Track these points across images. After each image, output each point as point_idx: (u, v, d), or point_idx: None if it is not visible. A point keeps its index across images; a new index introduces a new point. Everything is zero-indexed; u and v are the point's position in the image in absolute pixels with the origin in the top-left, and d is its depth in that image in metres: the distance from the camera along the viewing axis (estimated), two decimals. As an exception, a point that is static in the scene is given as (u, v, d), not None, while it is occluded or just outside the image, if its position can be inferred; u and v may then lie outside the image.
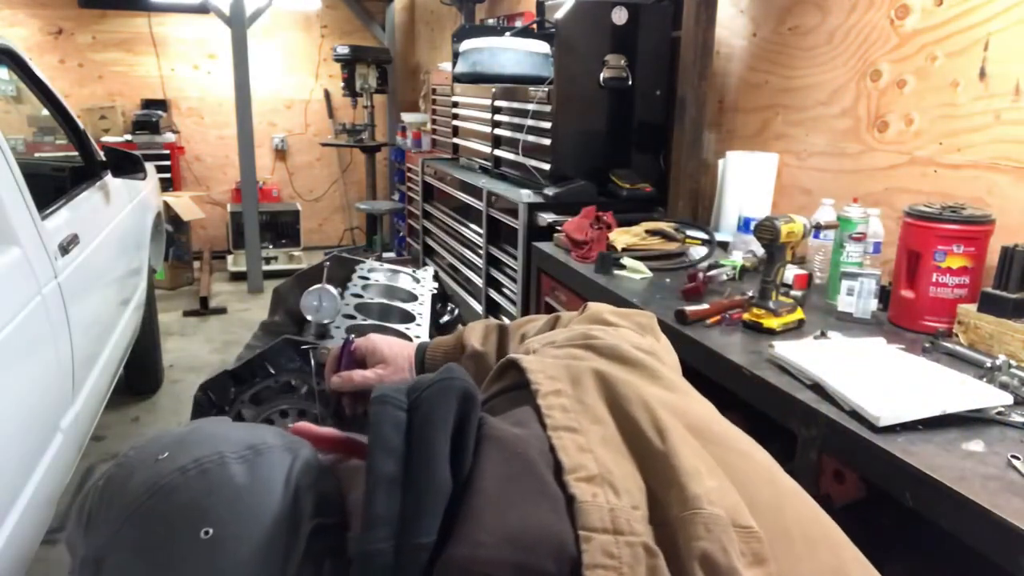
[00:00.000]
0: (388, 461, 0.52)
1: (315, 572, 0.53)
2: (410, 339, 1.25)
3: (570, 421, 0.58)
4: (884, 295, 1.64)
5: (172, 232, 4.84)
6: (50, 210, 2.02)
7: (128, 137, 5.38)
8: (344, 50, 5.08)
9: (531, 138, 2.82)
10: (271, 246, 5.76)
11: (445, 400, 0.55)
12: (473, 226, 3.20)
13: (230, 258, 5.71)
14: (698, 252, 2.14)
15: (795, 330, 1.56)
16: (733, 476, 0.56)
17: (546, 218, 2.51)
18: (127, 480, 0.55)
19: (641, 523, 0.51)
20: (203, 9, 5.09)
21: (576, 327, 0.81)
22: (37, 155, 4.51)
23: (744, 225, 2.15)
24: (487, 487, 0.51)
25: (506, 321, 1.02)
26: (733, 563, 0.48)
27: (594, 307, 0.91)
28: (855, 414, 1.15)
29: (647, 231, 2.21)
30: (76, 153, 2.71)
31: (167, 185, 5.27)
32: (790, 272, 1.78)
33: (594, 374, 0.64)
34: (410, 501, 0.50)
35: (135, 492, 0.53)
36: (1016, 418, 1.16)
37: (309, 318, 1.22)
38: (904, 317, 1.58)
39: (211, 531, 0.50)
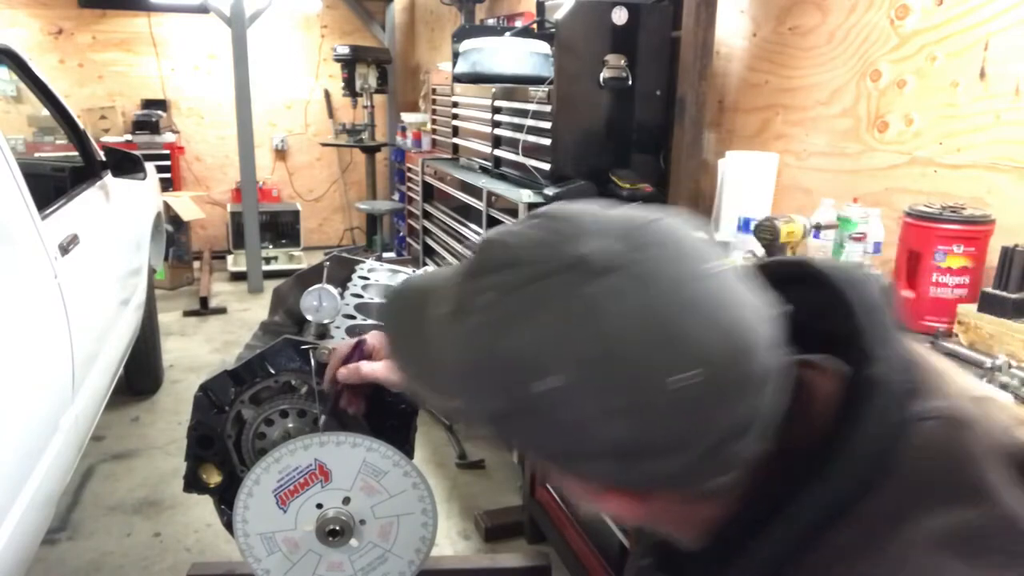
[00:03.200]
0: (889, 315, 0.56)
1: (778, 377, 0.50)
2: (410, 339, 1.25)
3: None
4: (884, 295, 1.63)
5: (172, 232, 4.84)
6: (50, 210, 2.02)
7: (128, 137, 5.39)
8: (344, 50, 5.08)
9: (531, 138, 2.82)
10: (271, 246, 5.77)
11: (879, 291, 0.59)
12: (473, 226, 3.20)
13: (230, 258, 5.71)
14: (698, 252, 2.14)
15: (795, 330, 1.56)
16: None
17: (546, 218, 2.51)
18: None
19: None
20: (203, 9, 5.10)
21: None
22: (37, 155, 4.51)
23: (744, 225, 2.15)
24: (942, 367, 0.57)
25: None
26: None
27: None
28: (855, 414, 1.15)
29: (647, 231, 2.21)
30: (76, 153, 2.71)
31: (167, 185, 5.27)
32: (790, 272, 1.78)
33: None
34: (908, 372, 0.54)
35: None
36: (1016, 418, 1.16)
37: (309, 318, 1.22)
38: (904, 317, 1.57)
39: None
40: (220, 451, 1.13)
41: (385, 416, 1.10)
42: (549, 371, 0.46)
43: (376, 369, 1.00)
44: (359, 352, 1.02)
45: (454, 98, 3.70)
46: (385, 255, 5.00)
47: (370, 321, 1.32)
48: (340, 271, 1.52)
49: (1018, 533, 0.47)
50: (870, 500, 0.49)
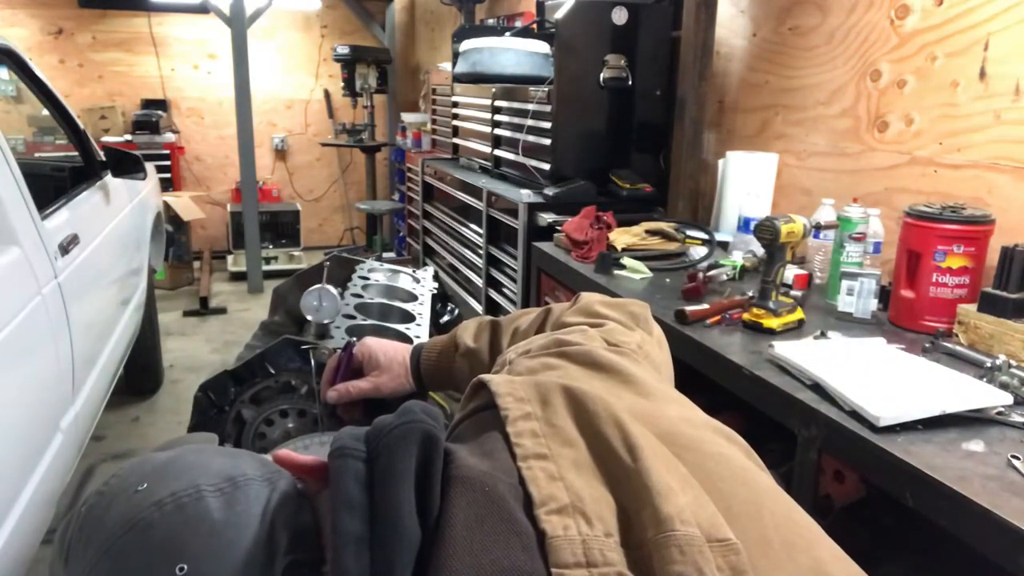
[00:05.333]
0: (353, 519, 0.51)
1: None
2: (410, 340, 1.25)
3: (540, 447, 0.58)
4: (884, 295, 1.64)
5: (172, 232, 4.84)
6: (50, 210, 2.02)
7: (128, 137, 5.38)
8: (344, 50, 5.08)
9: (531, 138, 2.82)
10: (271, 246, 5.76)
11: (405, 447, 0.54)
12: (473, 226, 3.20)
13: (230, 258, 5.71)
14: (698, 252, 2.14)
15: (795, 330, 1.56)
16: (708, 482, 0.56)
17: (546, 218, 2.52)
18: (105, 513, 0.55)
19: (615, 551, 0.50)
20: (203, 9, 5.09)
21: (555, 334, 0.80)
22: (37, 155, 4.51)
23: (744, 225, 2.15)
24: (456, 534, 0.50)
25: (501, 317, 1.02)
26: None
27: (586, 298, 0.91)
28: (855, 414, 1.15)
29: (647, 231, 2.21)
30: (76, 153, 2.71)
31: (167, 185, 5.27)
32: (790, 272, 1.78)
33: (563, 391, 0.63)
34: (379, 557, 0.50)
35: (111, 527, 0.53)
36: (1016, 418, 1.16)
37: (309, 318, 1.22)
38: (904, 317, 1.58)
39: (186, 567, 0.51)
40: (220, 451, 1.13)
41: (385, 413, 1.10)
42: None
43: (364, 388, 1.01)
44: (347, 367, 1.02)
45: (454, 98, 3.70)
46: (385, 255, 5.00)
47: (370, 321, 1.32)
48: (340, 271, 1.53)
49: None
50: None
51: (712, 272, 1.85)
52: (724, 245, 2.24)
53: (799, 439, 1.24)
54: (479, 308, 3.09)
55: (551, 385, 0.64)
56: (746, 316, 1.58)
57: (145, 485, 0.55)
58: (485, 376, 0.68)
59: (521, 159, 2.90)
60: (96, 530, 0.54)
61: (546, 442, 0.58)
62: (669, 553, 0.49)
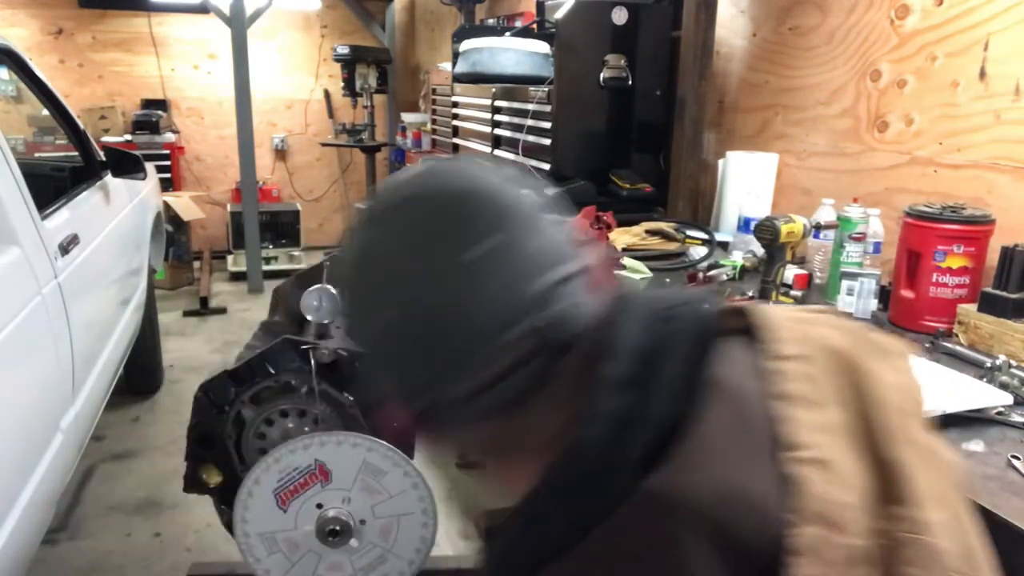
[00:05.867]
0: (625, 365, 0.51)
1: (526, 354, 0.53)
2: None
3: (811, 393, 0.54)
4: (884, 295, 1.64)
5: (172, 232, 4.83)
6: (50, 210, 2.02)
7: (128, 137, 5.38)
8: (344, 50, 5.08)
9: (531, 138, 2.82)
10: (271, 246, 5.76)
11: (697, 326, 0.54)
12: (473, 226, 3.20)
13: (230, 258, 5.71)
14: (698, 252, 2.14)
15: (795, 330, 1.56)
16: (952, 509, 0.54)
17: (546, 218, 2.51)
18: (442, 183, 0.57)
19: (862, 525, 0.48)
20: (203, 9, 5.09)
21: None
22: (37, 155, 4.51)
23: (744, 225, 2.15)
24: (712, 433, 0.49)
25: None
26: None
27: None
28: (855, 414, 1.15)
29: (647, 231, 2.21)
30: (76, 153, 2.71)
31: (167, 185, 5.27)
32: (790, 272, 1.78)
33: (843, 355, 0.58)
34: (635, 412, 0.49)
35: (453, 188, 0.56)
36: (1016, 418, 1.16)
37: (309, 318, 1.22)
38: (904, 317, 1.58)
39: (501, 236, 0.52)
40: (220, 451, 1.13)
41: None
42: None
43: None
44: None
45: (454, 98, 3.70)
46: (385, 255, 4.99)
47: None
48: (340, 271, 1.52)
49: None
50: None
51: (712, 272, 1.85)
52: (724, 245, 2.24)
53: (799, 439, 1.24)
54: (479, 308, 3.09)
55: (829, 343, 0.59)
56: (746, 316, 1.58)
57: (473, 164, 0.59)
58: (752, 306, 0.64)
59: (521, 159, 2.90)
60: (427, 196, 0.56)
61: (817, 391, 0.55)
62: (912, 555, 0.47)
